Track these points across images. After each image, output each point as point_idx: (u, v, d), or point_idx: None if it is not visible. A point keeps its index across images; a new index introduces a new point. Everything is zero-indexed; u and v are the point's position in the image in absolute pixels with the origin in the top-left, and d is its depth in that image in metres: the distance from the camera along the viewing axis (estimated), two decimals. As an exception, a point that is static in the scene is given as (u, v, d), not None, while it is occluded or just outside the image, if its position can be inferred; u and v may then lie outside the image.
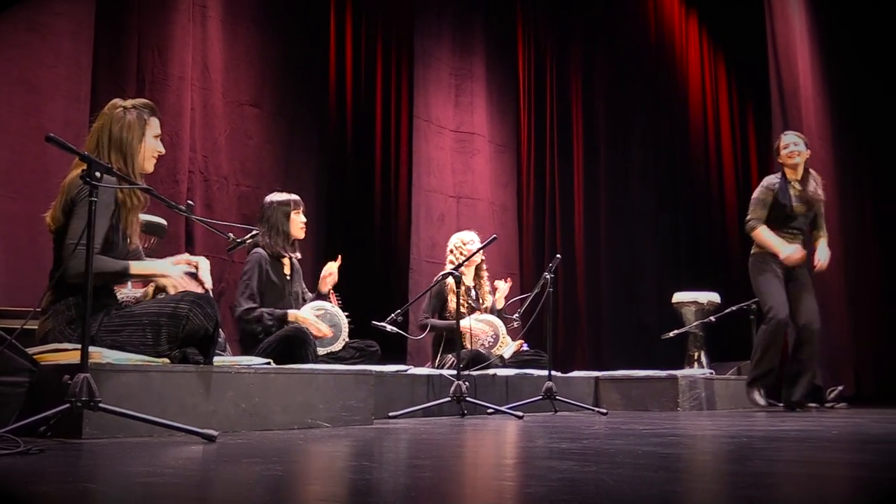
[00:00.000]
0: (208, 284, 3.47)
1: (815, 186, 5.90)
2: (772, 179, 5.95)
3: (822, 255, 5.91)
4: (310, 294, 5.07)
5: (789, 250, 5.75)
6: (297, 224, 4.91)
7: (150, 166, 3.48)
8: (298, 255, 5.04)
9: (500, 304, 6.12)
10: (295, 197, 4.96)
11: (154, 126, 3.47)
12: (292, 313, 4.71)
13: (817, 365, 5.93)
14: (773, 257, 5.83)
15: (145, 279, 3.44)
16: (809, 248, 5.98)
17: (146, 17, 5.78)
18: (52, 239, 3.30)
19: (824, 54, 7.87)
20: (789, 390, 5.80)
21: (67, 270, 3.06)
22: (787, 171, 5.91)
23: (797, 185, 5.87)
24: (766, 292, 5.84)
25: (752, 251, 5.99)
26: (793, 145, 5.88)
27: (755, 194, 5.95)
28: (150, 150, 3.45)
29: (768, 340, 5.74)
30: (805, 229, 5.94)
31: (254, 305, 4.67)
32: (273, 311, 4.68)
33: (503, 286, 6.15)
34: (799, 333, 5.82)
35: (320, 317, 4.85)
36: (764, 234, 5.82)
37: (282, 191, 5.08)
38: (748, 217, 5.90)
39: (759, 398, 5.79)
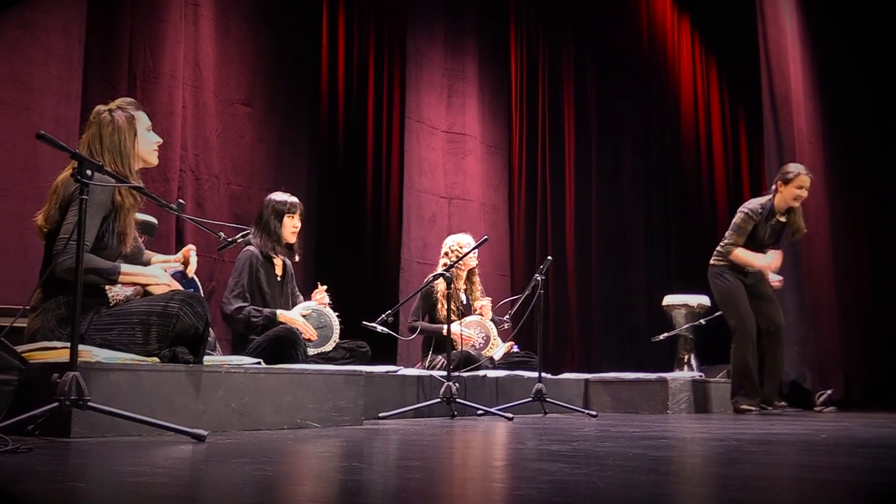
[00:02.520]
0: (193, 267, 3.54)
1: (800, 222, 5.95)
2: (756, 208, 5.95)
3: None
4: (301, 297, 5.04)
5: (767, 260, 5.88)
6: (289, 228, 4.88)
7: (154, 159, 3.52)
8: (296, 258, 5.02)
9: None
10: (293, 200, 4.93)
11: (143, 119, 3.47)
12: (281, 313, 4.70)
13: (784, 364, 6.05)
14: (732, 270, 5.93)
15: (134, 284, 3.42)
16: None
17: (138, 15, 5.77)
18: (43, 239, 3.28)
19: (816, 59, 7.89)
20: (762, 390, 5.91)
21: (57, 266, 3.06)
22: (778, 199, 5.92)
23: (779, 218, 5.92)
24: (730, 306, 5.98)
25: (712, 262, 6.06)
26: (806, 190, 5.87)
27: (737, 219, 5.97)
28: (148, 143, 3.46)
29: (739, 357, 5.86)
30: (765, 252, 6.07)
31: (242, 304, 4.65)
32: (261, 310, 4.67)
33: (486, 303, 6.05)
34: (763, 335, 5.91)
35: (309, 316, 4.84)
36: (742, 255, 5.92)
37: (285, 191, 5.04)
38: (726, 241, 5.97)
39: (748, 406, 5.83)
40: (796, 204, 5.88)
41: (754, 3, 7.57)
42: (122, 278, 3.28)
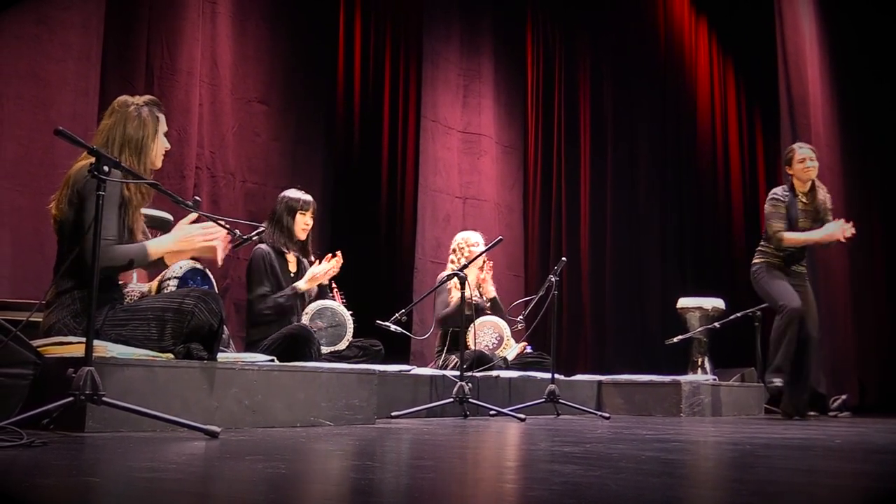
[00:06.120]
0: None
1: (824, 197, 5.91)
2: (778, 191, 5.97)
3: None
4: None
5: (824, 232, 5.77)
6: (300, 225, 4.92)
7: (160, 163, 3.50)
8: (311, 258, 5.05)
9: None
10: (307, 197, 4.96)
11: (163, 123, 3.48)
12: (298, 286, 4.82)
13: (816, 373, 5.95)
14: (777, 267, 5.87)
15: (164, 253, 3.36)
16: (810, 258, 6.04)
17: (156, 12, 5.80)
18: (56, 231, 3.28)
19: (834, 62, 7.85)
20: (789, 399, 5.81)
21: (90, 266, 3.05)
22: (796, 183, 5.92)
23: (804, 199, 5.88)
24: (775, 291, 5.86)
25: (754, 261, 6.01)
26: (809, 160, 5.88)
27: (768, 209, 5.93)
28: (161, 147, 3.46)
29: (783, 331, 5.73)
30: None
31: (269, 304, 4.73)
32: (283, 293, 4.75)
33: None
34: (800, 341, 5.83)
35: (323, 314, 4.85)
36: (795, 236, 5.82)
37: (299, 189, 5.06)
38: (772, 232, 5.84)
39: (777, 381, 5.73)
40: (810, 176, 5.88)
41: (772, 6, 7.55)
42: (151, 254, 3.24)
